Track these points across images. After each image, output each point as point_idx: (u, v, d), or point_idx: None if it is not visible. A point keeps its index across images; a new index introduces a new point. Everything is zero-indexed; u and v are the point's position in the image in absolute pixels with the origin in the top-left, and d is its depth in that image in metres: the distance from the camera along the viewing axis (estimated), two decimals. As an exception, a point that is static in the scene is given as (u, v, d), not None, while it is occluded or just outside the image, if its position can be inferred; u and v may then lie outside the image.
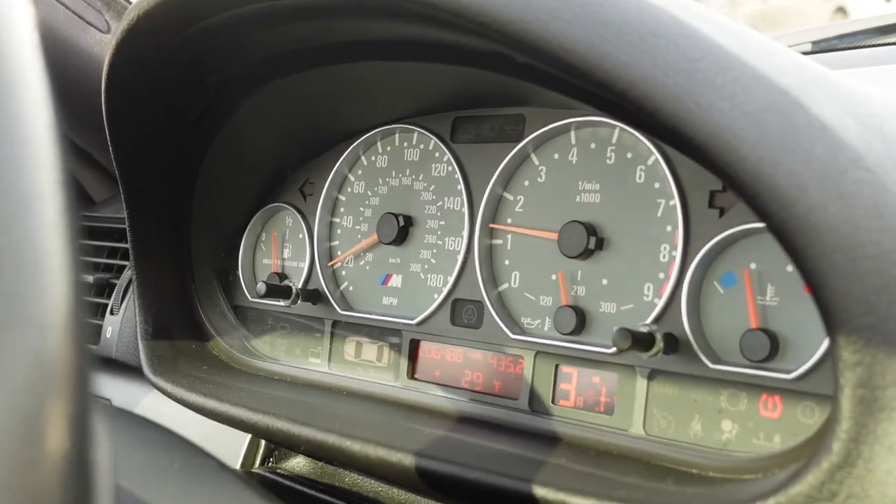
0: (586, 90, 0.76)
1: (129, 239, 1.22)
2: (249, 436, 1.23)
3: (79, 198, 1.85)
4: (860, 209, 0.62)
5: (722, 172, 0.64)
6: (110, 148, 1.14)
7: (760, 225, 0.86)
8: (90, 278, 1.57)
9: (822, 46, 1.73)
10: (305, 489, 1.14)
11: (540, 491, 0.76)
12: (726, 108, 0.63)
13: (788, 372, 0.83)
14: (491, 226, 1.08)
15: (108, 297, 1.54)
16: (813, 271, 0.62)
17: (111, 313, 1.51)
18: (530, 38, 0.65)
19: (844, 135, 0.65)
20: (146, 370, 1.20)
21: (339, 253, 1.25)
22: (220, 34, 1.00)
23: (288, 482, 1.16)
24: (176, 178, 1.25)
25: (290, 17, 0.91)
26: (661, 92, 0.63)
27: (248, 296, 1.33)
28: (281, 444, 1.03)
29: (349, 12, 0.84)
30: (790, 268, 0.85)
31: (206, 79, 1.11)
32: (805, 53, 1.72)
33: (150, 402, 1.43)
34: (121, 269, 1.58)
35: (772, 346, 0.85)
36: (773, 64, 0.68)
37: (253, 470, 1.22)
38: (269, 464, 1.24)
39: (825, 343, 0.81)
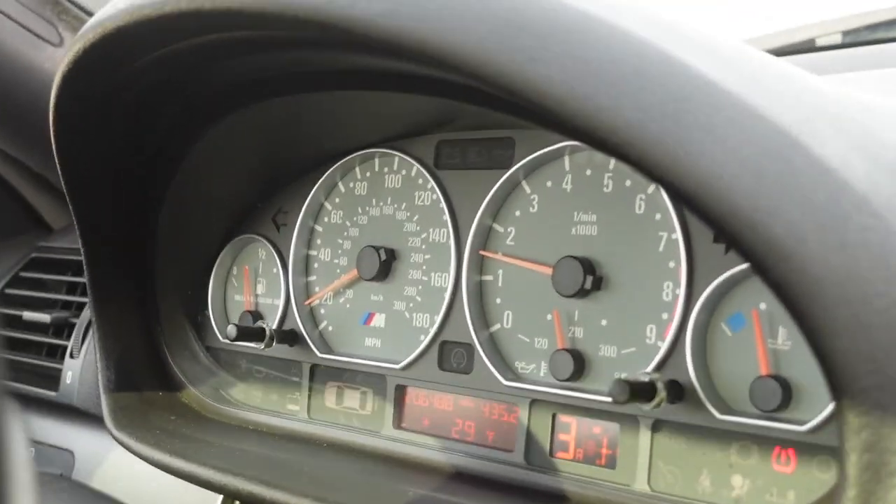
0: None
1: (86, 277, 1.24)
2: (220, 498, 1.26)
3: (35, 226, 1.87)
4: (865, 260, 0.64)
5: (714, 223, 0.66)
6: (62, 180, 1.17)
7: (769, 262, 0.88)
8: (47, 318, 1.60)
9: (851, 40, 1.76)
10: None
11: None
12: (718, 153, 0.65)
13: (802, 423, 0.85)
14: (481, 252, 1.10)
15: (68, 338, 1.57)
16: (814, 328, 0.64)
17: (71, 356, 1.54)
18: (504, 81, 0.67)
19: (849, 176, 0.67)
20: (109, 424, 1.23)
21: (316, 289, 1.27)
22: (172, 67, 1.02)
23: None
24: (137, 208, 1.27)
25: (238, 50, 0.93)
26: (645, 138, 0.65)
27: (219, 337, 1.35)
28: (254, 508, 1.06)
29: (304, 44, 0.87)
30: (802, 308, 0.87)
31: (166, 108, 1.13)
32: (835, 47, 1.75)
33: (119, 454, 1.45)
34: (81, 306, 1.60)
35: (784, 394, 0.87)
36: (771, 99, 0.70)
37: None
38: (246, 523, 1.27)
39: (841, 392, 0.83)
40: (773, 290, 0.66)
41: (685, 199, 0.66)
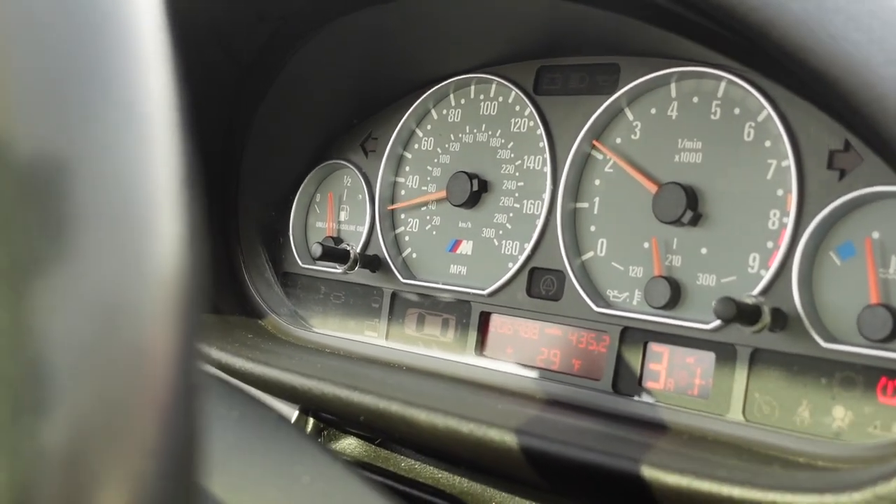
0: (698, 24, 0.78)
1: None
2: (295, 413, 1.26)
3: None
4: None
5: (856, 113, 0.65)
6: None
7: (888, 188, 0.87)
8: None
9: None
10: (357, 474, 1.16)
11: (630, 466, 0.78)
12: (863, 41, 0.64)
13: (913, 353, 0.84)
14: (594, 143, 1.09)
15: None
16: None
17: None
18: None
19: None
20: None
21: (402, 216, 1.28)
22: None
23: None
24: (227, 125, 1.29)
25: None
26: (788, 18, 0.64)
27: (298, 261, 1.36)
28: (336, 415, 1.06)
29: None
30: (919, 237, 0.86)
31: (266, 16, 1.14)
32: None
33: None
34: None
35: (895, 323, 0.85)
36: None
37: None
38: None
39: (957, 321, 0.82)
40: (912, 185, 0.65)
41: (825, 87, 0.65)
